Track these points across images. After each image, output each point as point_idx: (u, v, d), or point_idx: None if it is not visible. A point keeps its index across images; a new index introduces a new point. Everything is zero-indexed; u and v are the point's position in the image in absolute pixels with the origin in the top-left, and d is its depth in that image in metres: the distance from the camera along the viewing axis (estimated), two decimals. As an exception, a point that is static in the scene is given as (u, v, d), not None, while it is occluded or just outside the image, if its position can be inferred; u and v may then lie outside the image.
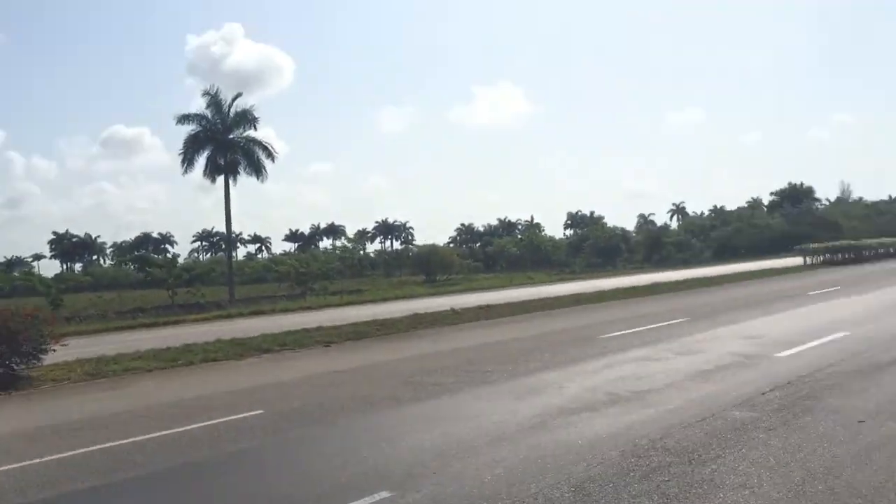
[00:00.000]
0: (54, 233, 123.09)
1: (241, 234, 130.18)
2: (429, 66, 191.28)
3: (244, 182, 56.28)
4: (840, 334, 14.29)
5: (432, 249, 77.01)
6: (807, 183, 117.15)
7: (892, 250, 53.93)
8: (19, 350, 13.63)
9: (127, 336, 21.83)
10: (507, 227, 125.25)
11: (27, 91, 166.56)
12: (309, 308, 33.27)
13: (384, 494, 6.37)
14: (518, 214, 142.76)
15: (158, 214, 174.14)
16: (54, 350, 14.21)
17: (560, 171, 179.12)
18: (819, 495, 5.80)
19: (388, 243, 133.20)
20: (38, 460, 8.17)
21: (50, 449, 8.61)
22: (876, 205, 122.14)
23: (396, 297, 37.96)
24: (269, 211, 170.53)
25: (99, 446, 8.66)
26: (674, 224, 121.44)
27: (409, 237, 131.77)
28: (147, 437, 9.02)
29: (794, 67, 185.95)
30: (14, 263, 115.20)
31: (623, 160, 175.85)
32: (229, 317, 30.38)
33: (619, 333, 16.42)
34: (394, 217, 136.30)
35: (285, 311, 32.14)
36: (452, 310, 23.41)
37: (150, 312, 35.15)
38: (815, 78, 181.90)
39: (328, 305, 34.55)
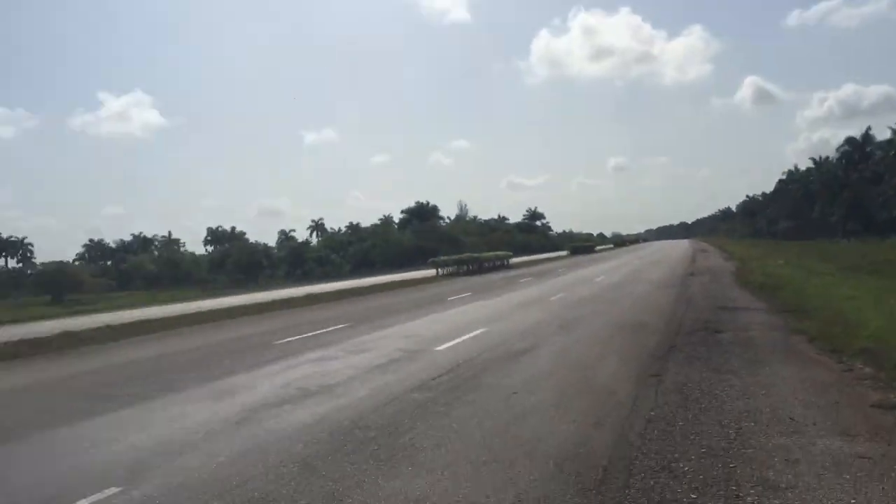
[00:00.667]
0: None
1: None
2: (49, 62, 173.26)
3: None
4: (480, 330, 16.66)
5: (59, 268, 71.03)
6: (432, 202, 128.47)
7: (505, 262, 62.11)
8: None
9: None
10: (142, 242, 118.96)
11: None
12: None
13: (112, 490, 6.60)
14: (153, 229, 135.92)
15: None
16: None
17: (196, 187, 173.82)
18: (497, 446, 7.32)
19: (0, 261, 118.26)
20: None
21: None
22: (488, 223, 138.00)
23: (23, 320, 34.52)
24: None
25: None
26: (314, 240, 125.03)
27: (28, 254, 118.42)
28: None
29: (417, 97, 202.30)
30: None
31: (260, 177, 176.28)
32: None
33: (291, 339, 17.30)
34: (8, 232, 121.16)
35: None
36: (108, 326, 22.39)
37: None
38: (437, 108, 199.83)
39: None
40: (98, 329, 21.95)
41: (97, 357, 16.88)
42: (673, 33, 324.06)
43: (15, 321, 32.92)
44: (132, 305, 41.48)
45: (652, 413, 8.27)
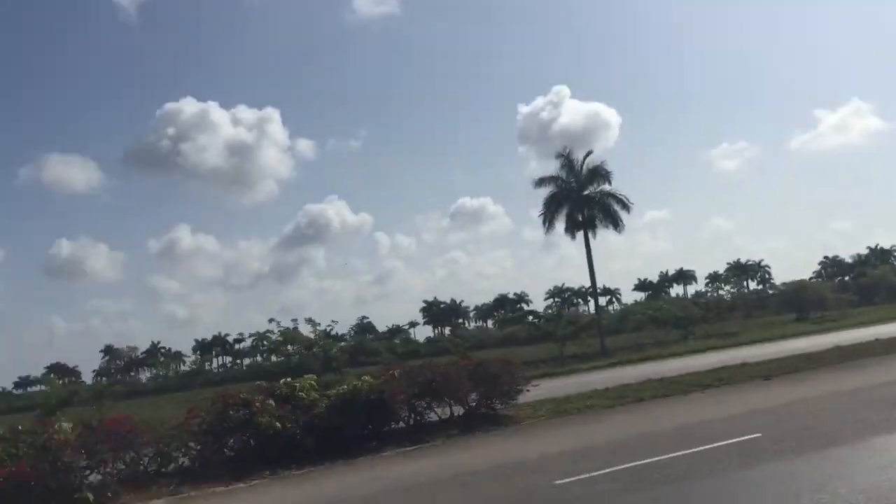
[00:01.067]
0: (425, 301, 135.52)
1: (582, 286, 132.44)
2: (761, 96, 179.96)
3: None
4: None
5: (801, 285, 72.33)
6: None
7: None
8: (500, 392, 15.64)
9: (550, 382, 23.27)
10: (880, 254, 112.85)
11: (386, 180, 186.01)
12: (695, 351, 33.04)
13: None
14: (889, 239, 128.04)
15: (505, 278, 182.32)
16: (527, 391, 16.00)
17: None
18: None
19: (742, 284, 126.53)
20: (595, 473, 9.49)
21: (595, 466, 9.92)
22: None
23: (782, 337, 36.24)
24: (610, 263, 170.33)
25: (638, 462, 9.81)
26: None
27: (766, 276, 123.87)
28: (670, 455, 9.87)
29: None
30: (394, 331, 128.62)
31: None
32: (620, 363, 31.26)
33: None
34: (744, 257, 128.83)
35: (673, 355, 32.28)
36: (877, 339, 22.06)
37: (550, 363, 37.29)
38: None
39: (713, 348, 34.01)
40: (864, 345, 21.79)
41: (875, 372, 16.60)
42: None
43: (780, 337, 35.04)
44: (888, 319, 39.55)
45: None
